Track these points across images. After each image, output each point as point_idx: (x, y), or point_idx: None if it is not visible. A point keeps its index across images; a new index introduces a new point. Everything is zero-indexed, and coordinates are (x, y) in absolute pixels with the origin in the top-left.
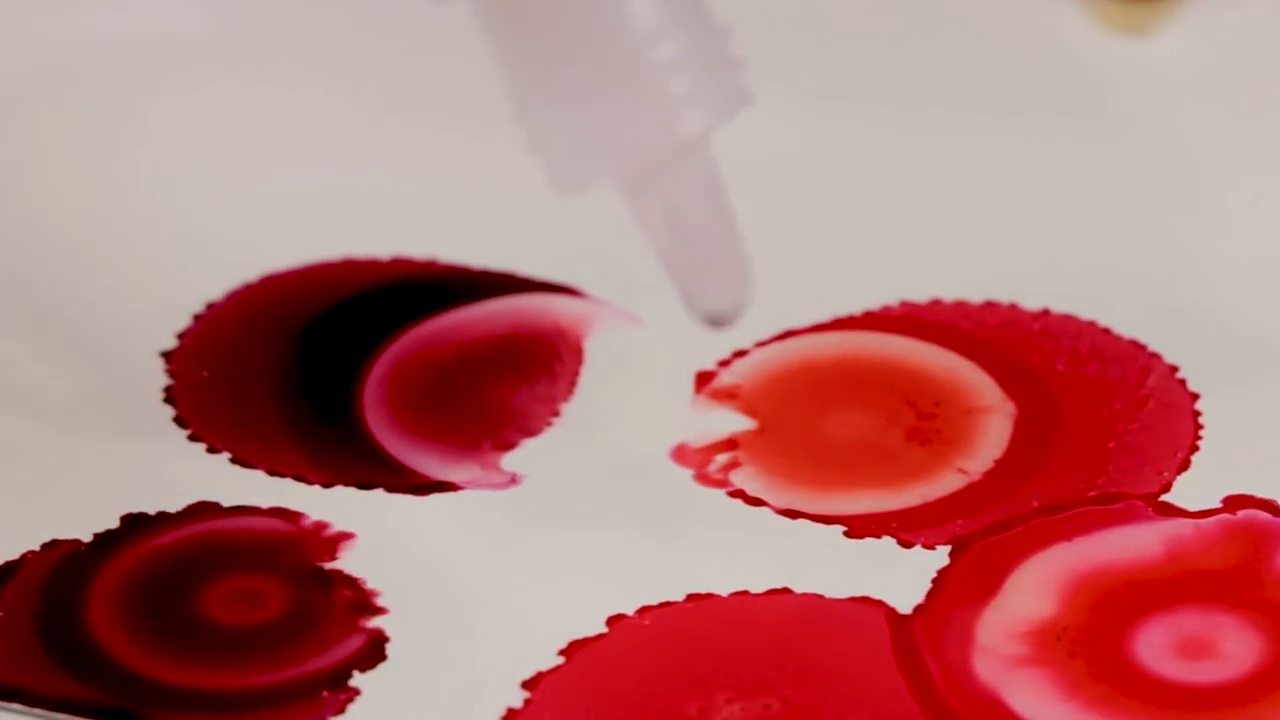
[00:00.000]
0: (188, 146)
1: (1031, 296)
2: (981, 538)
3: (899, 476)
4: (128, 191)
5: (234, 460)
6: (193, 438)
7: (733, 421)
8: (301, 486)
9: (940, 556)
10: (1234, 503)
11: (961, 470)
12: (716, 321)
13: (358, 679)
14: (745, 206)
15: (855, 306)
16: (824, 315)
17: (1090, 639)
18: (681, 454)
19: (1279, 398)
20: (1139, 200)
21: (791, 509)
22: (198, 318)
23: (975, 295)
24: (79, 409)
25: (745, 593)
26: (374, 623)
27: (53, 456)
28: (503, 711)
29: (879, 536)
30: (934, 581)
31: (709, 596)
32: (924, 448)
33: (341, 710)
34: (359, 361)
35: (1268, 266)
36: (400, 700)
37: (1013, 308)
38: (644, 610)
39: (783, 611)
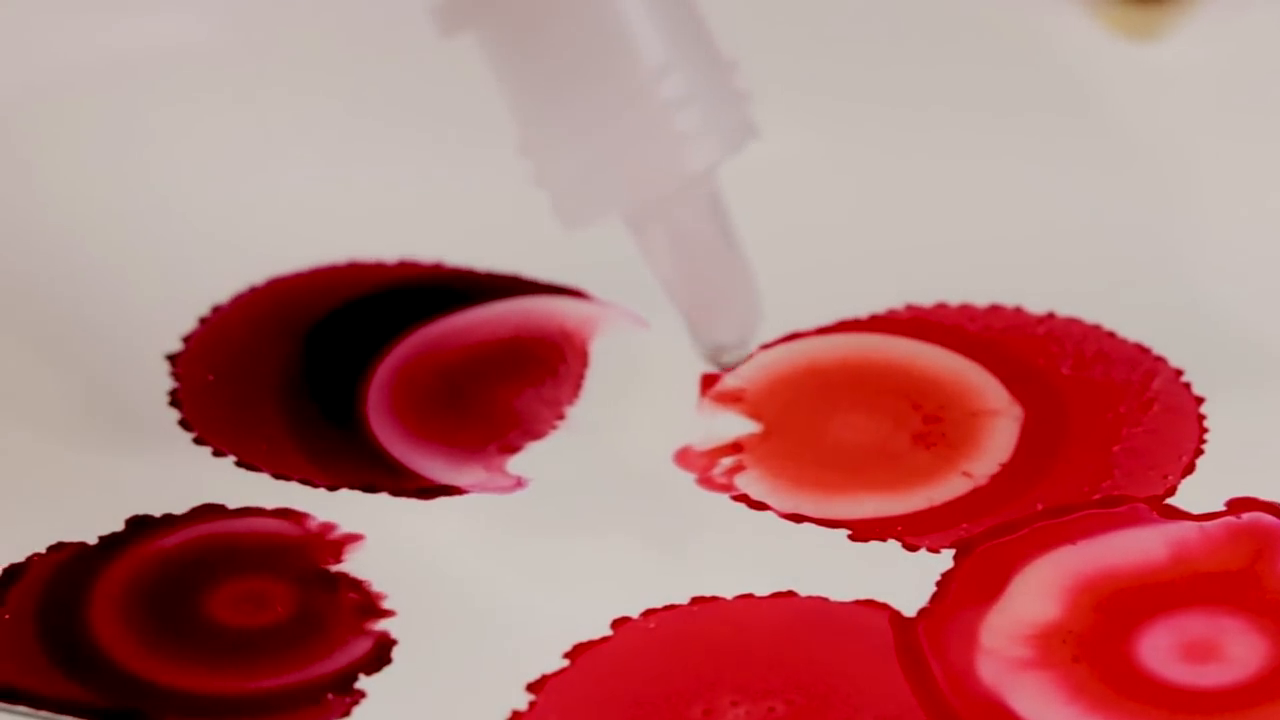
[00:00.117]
0: (194, 150)
1: (1036, 300)
2: (985, 540)
3: (904, 480)
4: (134, 195)
5: (239, 463)
6: (198, 441)
7: (738, 425)
8: (307, 490)
9: (944, 559)
10: (1238, 505)
11: (966, 474)
12: (722, 353)
13: (363, 681)
14: (749, 211)
15: (860, 310)
16: (829, 319)
17: (1094, 642)
18: (687, 457)
19: None
20: (1144, 204)
21: (796, 513)
22: (203, 321)
23: (980, 299)
24: (84, 413)
25: (750, 596)
26: (379, 625)
27: (58, 460)
28: (507, 713)
29: (884, 540)
30: (938, 584)
31: (713, 599)
32: (929, 451)
33: (347, 713)
34: (364, 364)
35: (1274, 271)
36: (405, 703)
37: (1018, 311)
38: (648, 613)
39: (787, 614)
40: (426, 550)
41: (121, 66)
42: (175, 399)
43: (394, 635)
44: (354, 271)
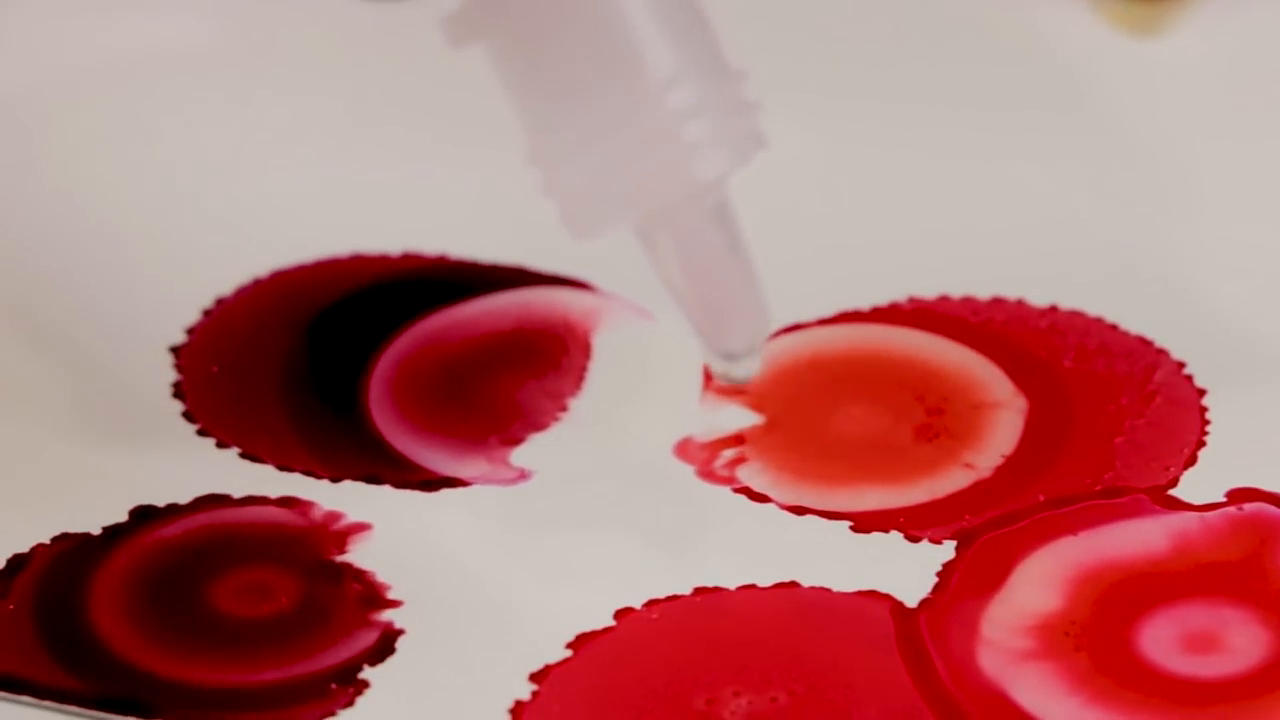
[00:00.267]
0: (197, 143)
1: (1038, 293)
2: (987, 531)
3: (907, 472)
4: (138, 188)
5: (243, 455)
6: (202, 432)
7: (741, 417)
8: (310, 481)
9: (946, 550)
10: (1239, 496)
11: (969, 465)
12: (732, 364)
13: (367, 672)
14: (750, 201)
15: (862, 302)
16: (830, 310)
17: (1096, 633)
18: (689, 449)
19: None
20: (1147, 198)
21: (799, 505)
22: (207, 313)
23: (983, 292)
24: (88, 406)
25: (752, 587)
26: (383, 616)
27: (62, 452)
28: (510, 704)
29: (886, 531)
30: (939, 575)
31: (716, 590)
32: (932, 443)
33: (351, 703)
34: (366, 357)
35: (1275, 264)
36: (409, 693)
37: (1020, 304)
38: (651, 604)
39: (789, 605)
40: (430, 541)
41: (125, 63)
42: (179, 391)
43: (397, 626)
44: (357, 264)
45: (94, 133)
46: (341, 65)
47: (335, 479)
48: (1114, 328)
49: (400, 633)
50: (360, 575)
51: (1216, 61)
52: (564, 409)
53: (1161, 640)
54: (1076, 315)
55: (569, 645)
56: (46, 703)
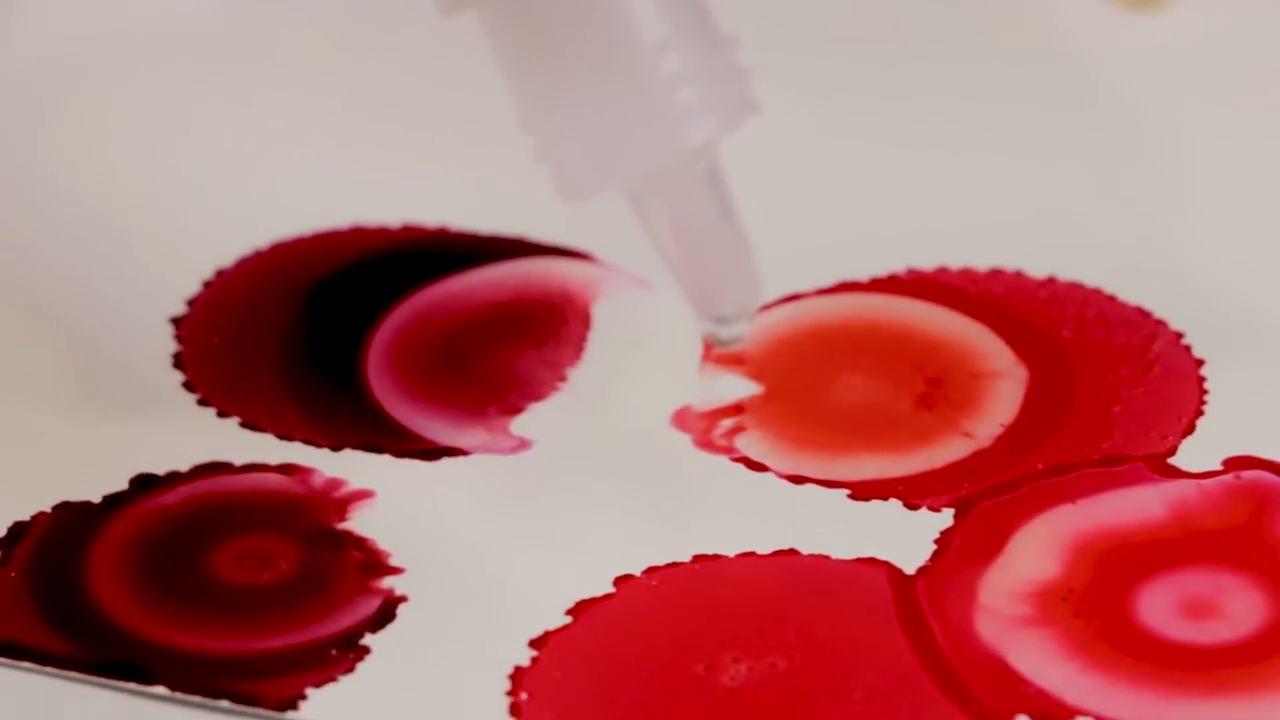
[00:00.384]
0: (197, 114)
1: (1037, 264)
2: (985, 499)
3: (906, 442)
4: (138, 160)
5: (243, 424)
6: (202, 402)
7: (740, 386)
8: (310, 450)
9: (945, 518)
10: (1237, 464)
11: (967, 435)
12: (723, 327)
13: (367, 639)
14: (748, 173)
15: (861, 272)
16: (828, 280)
17: (1094, 600)
18: (688, 418)
19: None
20: (1145, 170)
21: (797, 474)
22: (208, 284)
23: (981, 263)
24: (88, 377)
25: (752, 554)
26: (383, 583)
27: (63, 422)
28: (510, 670)
29: (885, 500)
30: (937, 543)
31: (715, 558)
32: (931, 412)
33: (351, 669)
34: (365, 327)
35: (1272, 236)
36: (409, 659)
37: (1019, 275)
38: (651, 571)
39: (788, 572)
40: (430, 510)
41: (125, 36)
42: (179, 361)
43: (398, 593)
44: (357, 235)
45: (95, 107)
46: (342, 37)
47: (335, 448)
48: (1112, 298)
49: (401, 600)
50: (361, 543)
51: (1214, 38)
52: (563, 379)
53: (1159, 607)
54: (1075, 286)
55: (569, 612)
56: (46, 669)
